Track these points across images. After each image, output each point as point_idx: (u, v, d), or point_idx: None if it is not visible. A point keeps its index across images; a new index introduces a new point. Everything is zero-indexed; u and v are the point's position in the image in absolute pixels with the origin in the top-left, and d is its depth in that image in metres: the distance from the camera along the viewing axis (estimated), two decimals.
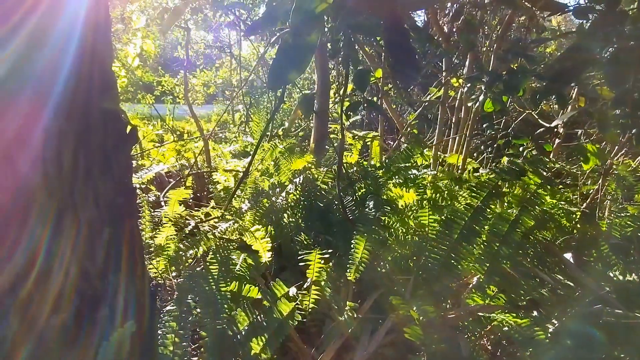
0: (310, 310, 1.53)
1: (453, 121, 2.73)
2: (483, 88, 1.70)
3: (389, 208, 1.58)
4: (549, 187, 1.83)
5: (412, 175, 2.01)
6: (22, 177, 1.00)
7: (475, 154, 2.60)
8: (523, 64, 1.83)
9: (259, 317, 1.33)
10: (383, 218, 1.86)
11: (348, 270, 1.40)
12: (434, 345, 1.09)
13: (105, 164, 1.18)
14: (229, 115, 8.45)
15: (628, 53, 1.47)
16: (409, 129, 2.82)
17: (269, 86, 1.14)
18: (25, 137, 1.00)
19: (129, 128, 1.33)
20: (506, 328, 1.42)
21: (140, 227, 1.55)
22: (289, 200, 1.87)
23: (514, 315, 1.45)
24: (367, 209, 1.56)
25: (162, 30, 2.68)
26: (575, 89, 2.11)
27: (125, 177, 1.28)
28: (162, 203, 2.27)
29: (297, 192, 1.85)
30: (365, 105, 1.44)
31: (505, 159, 1.94)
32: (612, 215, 2.09)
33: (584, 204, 2.06)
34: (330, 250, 1.49)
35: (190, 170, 2.71)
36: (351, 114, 2.65)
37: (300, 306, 1.53)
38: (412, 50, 1.16)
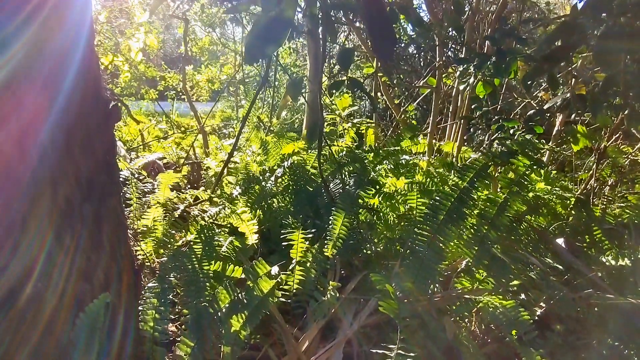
0: (294, 291, 1.52)
1: (451, 110, 2.71)
2: (472, 70, 1.68)
3: (371, 187, 1.57)
4: (541, 171, 1.80)
5: (403, 161, 1.99)
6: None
7: (472, 143, 2.57)
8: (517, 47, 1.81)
9: (240, 294, 1.33)
10: (373, 202, 1.85)
11: (325, 246, 1.40)
12: (408, 319, 1.08)
13: (87, 142, 1.19)
14: (234, 112, 8.48)
15: (618, 31, 1.44)
16: (403, 117, 2.81)
17: (246, 61, 1.14)
18: (3, 114, 1.01)
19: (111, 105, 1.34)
20: (491, 309, 1.40)
21: (124, 207, 1.55)
22: (278, 184, 1.87)
23: (500, 297, 1.43)
24: (347, 187, 1.55)
25: (151, 10, 2.68)
26: (573, 74, 2.07)
27: (108, 155, 1.29)
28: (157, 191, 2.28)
29: (286, 176, 1.85)
30: (348, 83, 1.43)
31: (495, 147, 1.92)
32: (611, 203, 2.06)
33: (579, 190, 2.03)
34: (314, 230, 1.48)
35: (186, 159, 2.72)
36: (349, 104, 2.62)
37: (285, 287, 1.53)
38: (390, 26, 1.15)
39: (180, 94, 6.84)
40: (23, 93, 1.02)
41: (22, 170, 1.02)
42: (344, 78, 1.42)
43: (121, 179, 2.00)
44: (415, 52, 7.56)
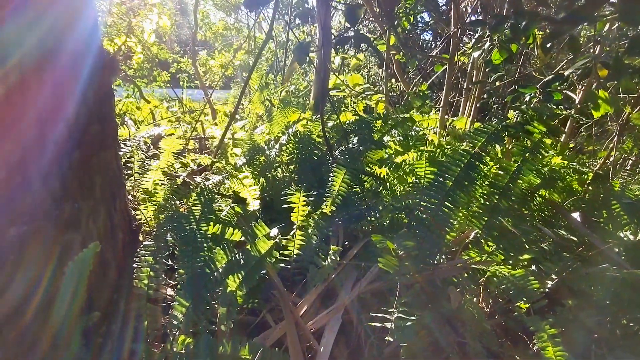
0: (295, 257, 1.48)
1: (465, 86, 2.61)
2: (488, 32, 1.59)
3: (376, 147, 1.50)
4: (558, 144, 1.71)
5: (413, 132, 1.92)
6: None
7: (486, 118, 2.47)
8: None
9: (237, 255, 1.28)
10: (380, 172, 1.79)
11: (324, 204, 1.34)
12: (409, 275, 1.02)
13: (78, 89, 1.15)
14: (246, 97, 8.43)
15: None
16: (415, 89, 2.72)
17: (245, 5, 1.09)
18: None
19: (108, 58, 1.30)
20: (499, 279, 1.33)
21: (121, 162, 1.52)
22: (283, 152, 1.81)
23: (509, 267, 1.36)
24: (350, 144, 1.48)
25: None
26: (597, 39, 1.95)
27: (103, 107, 1.25)
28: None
29: (291, 144, 1.80)
30: (355, 39, 1.36)
31: (512, 114, 1.83)
32: (633, 181, 1.96)
33: (598, 165, 1.93)
34: (315, 194, 1.43)
35: (192, 133, 2.69)
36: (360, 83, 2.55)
37: (285, 253, 1.48)
38: None
39: (193, 77, 6.82)
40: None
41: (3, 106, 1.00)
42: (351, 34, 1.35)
43: (126, 150, 1.98)
44: (431, 38, 7.41)
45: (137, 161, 1.82)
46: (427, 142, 1.95)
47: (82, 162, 1.11)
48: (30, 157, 0.98)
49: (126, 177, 1.95)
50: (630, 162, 1.90)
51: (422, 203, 1.47)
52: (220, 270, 1.28)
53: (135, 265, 1.28)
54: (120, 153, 1.88)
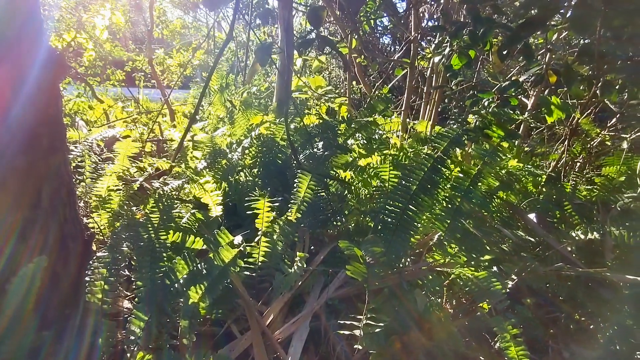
0: (260, 264, 1.44)
1: (425, 90, 2.67)
2: (447, 38, 1.63)
3: (341, 152, 1.50)
4: (514, 147, 1.77)
5: (376, 135, 1.93)
6: None
7: (446, 122, 2.54)
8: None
9: (199, 265, 1.23)
10: (345, 176, 1.79)
11: (289, 210, 1.31)
12: (377, 283, 1.01)
13: (22, 89, 1.06)
14: (206, 97, 8.22)
15: None
16: (377, 92, 2.75)
17: (204, 4, 1.04)
18: None
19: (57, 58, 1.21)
20: (463, 281, 1.36)
21: (71, 167, 1.42)
22: (246, 156, 1.77)
23: (472, 269, 1.39)
24: (315, 149, 1.47)
25: None
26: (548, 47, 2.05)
27: (51, 108, 1.16)
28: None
29: (254, 148, 1.75)
30: (318, 41, 1.35)
31: (471, 118, 1.88)
32: (580, 183, 2.07)
33: (550, 168, 2.02)
34: (280, 199, 1.40)
35: (149, 135, 2.58)
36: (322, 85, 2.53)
37: (250, 260, 1.44)
38: None
39: (149, 76, 6.54)
40: None
41: None
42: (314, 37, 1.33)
43: (77, 153, 1.86)
44: (390, 42, 7.54)
45: (89, 165, 1.71)
46: (390, 145, 1.97)
47: (28, 168, 1.02)
48: None
49: (77, 182, 1.83)
50: (579, 164, 2.01)
51: (387, 207, 1.47)
52: (181, 281, 1.22)
53: (88, 278, 1.19)
54: (70, 157, 1.77)
